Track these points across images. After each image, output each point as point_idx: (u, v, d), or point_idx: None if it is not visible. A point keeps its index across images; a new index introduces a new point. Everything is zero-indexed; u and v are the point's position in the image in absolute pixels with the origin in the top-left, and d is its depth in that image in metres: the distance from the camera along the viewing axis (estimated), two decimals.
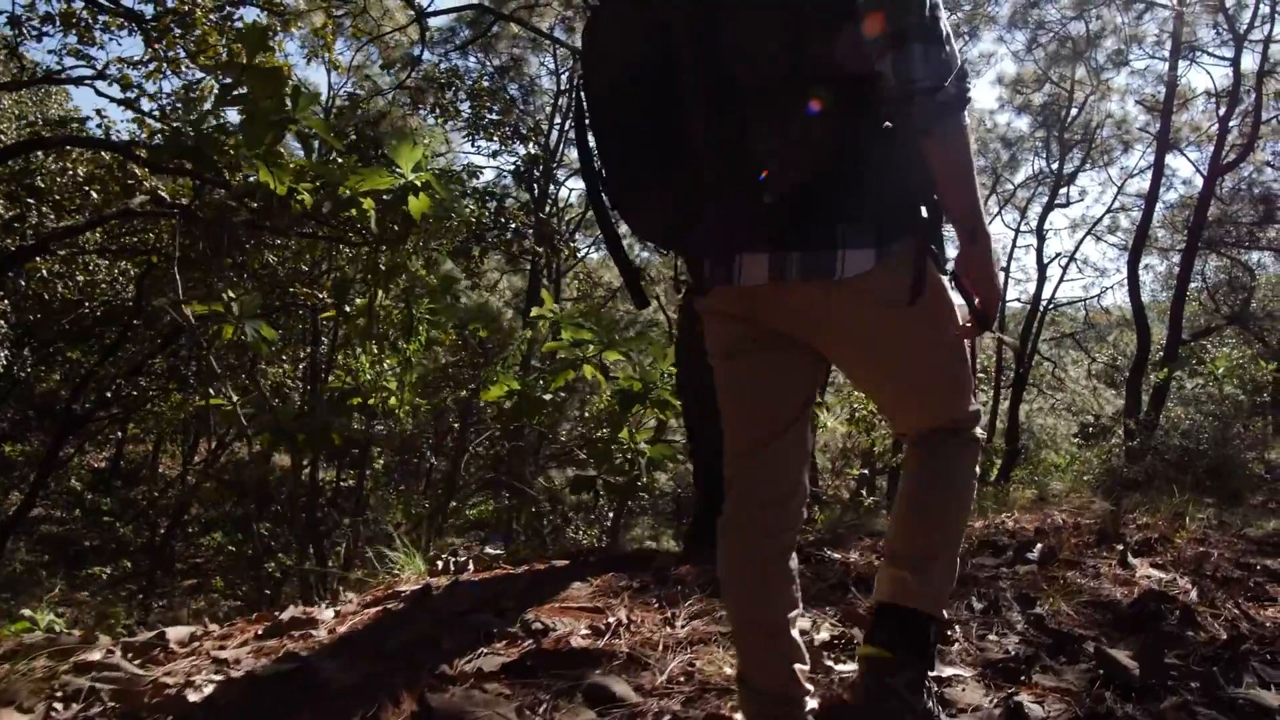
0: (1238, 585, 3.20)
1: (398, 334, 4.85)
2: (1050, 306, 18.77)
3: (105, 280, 13.29)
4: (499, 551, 3.58)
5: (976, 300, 1.65)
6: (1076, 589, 3.15)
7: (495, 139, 12.89)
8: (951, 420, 1.82)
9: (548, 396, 5.65)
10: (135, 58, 10.03)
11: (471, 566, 3.22)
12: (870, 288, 1.56)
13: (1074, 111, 15.47)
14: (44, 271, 12.47)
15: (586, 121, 1.65)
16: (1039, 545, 3.91)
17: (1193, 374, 15.79)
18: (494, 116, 13.10)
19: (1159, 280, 19.36)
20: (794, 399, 1.76)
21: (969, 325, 1.69)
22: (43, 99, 13.83)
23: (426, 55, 13.35)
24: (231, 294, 5.45)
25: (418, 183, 4.59)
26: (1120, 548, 4.29)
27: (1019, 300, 18.73)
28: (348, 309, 5.21)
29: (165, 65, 9.93)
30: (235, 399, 5.69)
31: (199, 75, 10.13)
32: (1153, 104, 14.96)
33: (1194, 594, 3.07)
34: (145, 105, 9.77)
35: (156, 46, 9.82)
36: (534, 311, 5.76)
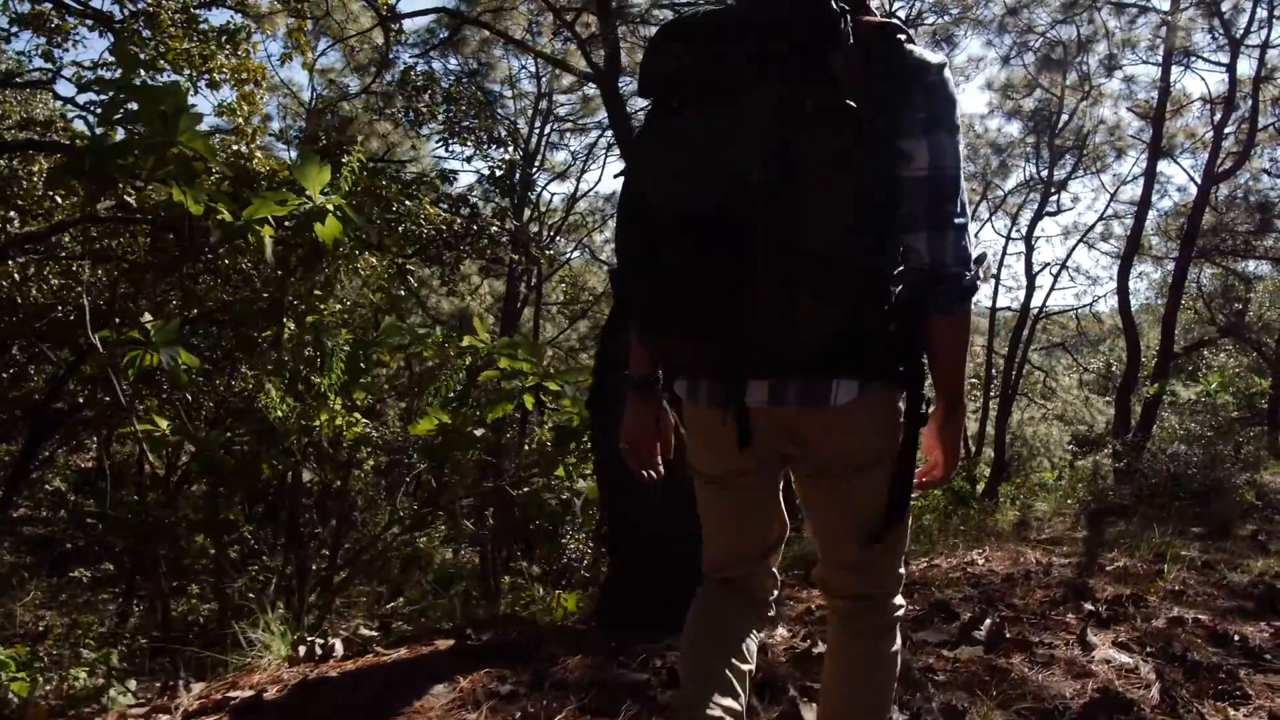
0: (1207, 677, 2.84)
1: (308, 369, 4.49)
2: (1041, 315, 18.39)
3: (82, 284, 12.93)
4: (373, 633, 3.24)
5: (937, 457, 1.85)
6: (1020, 685, 2.79)
7: (469, 144, 12.56)
8: (882, 588, 1.89)
9: (479, 432, 5.30)
10: (109, 60, 9.82)
11: (340, 650, 2.88)
12: (858, 413, 1.69)
13: (1065, 117, 15.13)
14: (16, 275, 12.11)
15: (631, 242, 1.65)
16: (988, 622, 3.53)
17: (1186, 384, 15.49)
18: (469, 122, 12.75)
19: (1154, 287, 19.04)
20: (775, 527, 1.96)
21: (926, 479, 1.86)
22: (27, 99, 13.44)
23: (403, 58, 12.97)
24: (150, 318, 5.09)
25: (329, 206, 4.24)
26: (1086, 612, 3.95)
27: (1010, 308, 18.37)
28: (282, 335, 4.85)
29: (138, 68, 9.68)
30: (163, 427, 5.34)
31: (175, 78, 9.90)
32: (1145, 110, 14.61)
33: (1155, 691, 2.71)
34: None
35: (129, 49, 9.56)
36: (465, 340, 5.43)
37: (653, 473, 2.03)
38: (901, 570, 1.91)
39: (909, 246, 1.64)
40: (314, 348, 4.71)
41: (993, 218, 18.26)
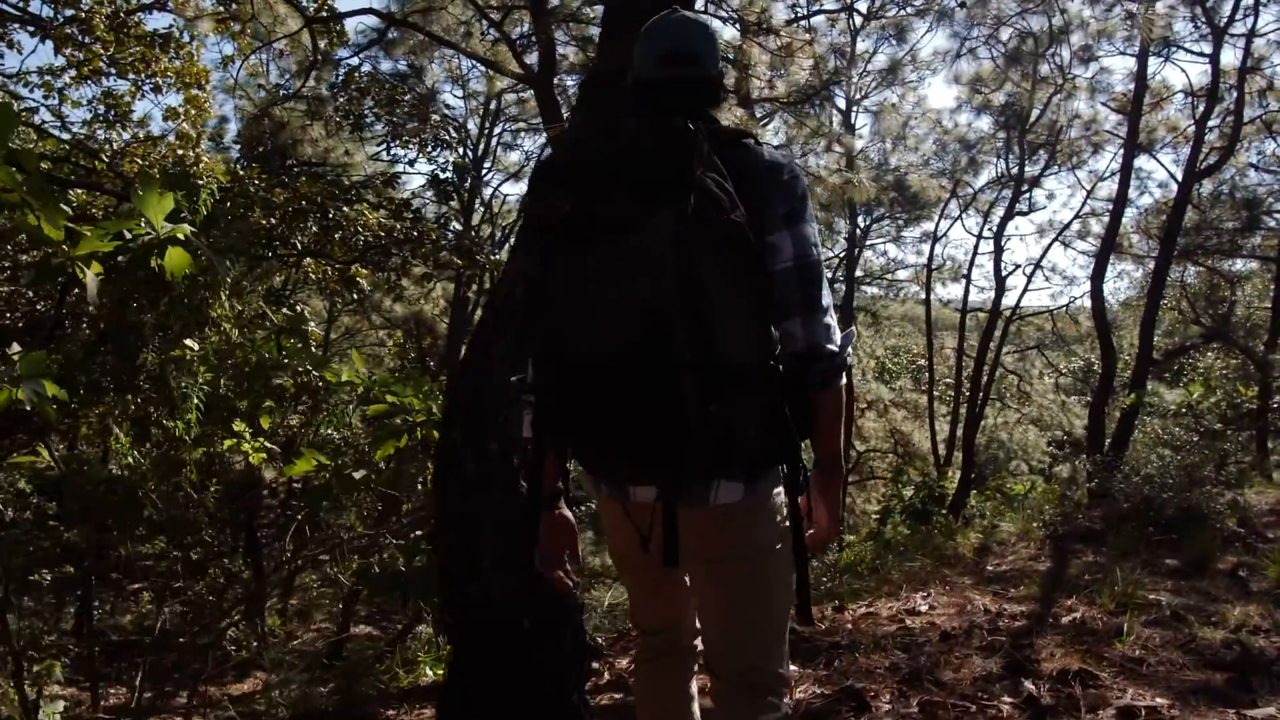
0: None
1: (158, 412, 3.85)
2: (1015, 316, 17.75)
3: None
4: None
5: (819, 519, 1.96)
6: None
7: (412, 147, 11.90)
8: (766, 669, 1.96)
9: (359, 475, 4.66)
10: (55, 65, 9.51)
11: None
12: (738, 515, 1.86)
13: (1037, 111, 14.46)
14: None
15: (556, 379, 1.76)
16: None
17: (1170, 387, 14.89)
18: (412, 124, 12.08)
19: (1135, 286, 18.42)
20: (685, 594, 2.11)
21: (810, 541, 1.91)
22: None
23: (345, 61, 12.31)
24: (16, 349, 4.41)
25: (179, 234, 3.59)
26: (1024, 696, 3.32)
27: (982, 311, 17.71)
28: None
29: (83, 71, 9.27)
30: (44, 456, 4.68)
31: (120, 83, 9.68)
32: (1123, 104, 13.96)
33: None
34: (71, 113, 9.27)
35: (66, 52, 9.09)
36: (344, 374, 4.79)
37: (571, 578, 2.10)
38: (786, 672, 2.00)
39: (786, 332, 1.79)
40: (159, 388, 4.07)
41: (963, 215, 17.67)
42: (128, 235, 3.59)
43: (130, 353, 3.74)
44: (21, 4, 9.26)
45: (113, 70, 9.63)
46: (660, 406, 1.62)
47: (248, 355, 4.96)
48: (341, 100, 11.43)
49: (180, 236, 3.64)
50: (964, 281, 18.02)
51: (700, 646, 2.16)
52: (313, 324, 11.73)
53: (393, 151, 12.49)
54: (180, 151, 9.96)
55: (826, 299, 1.80)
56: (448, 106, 14.21)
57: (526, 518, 2.11)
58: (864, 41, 14.33)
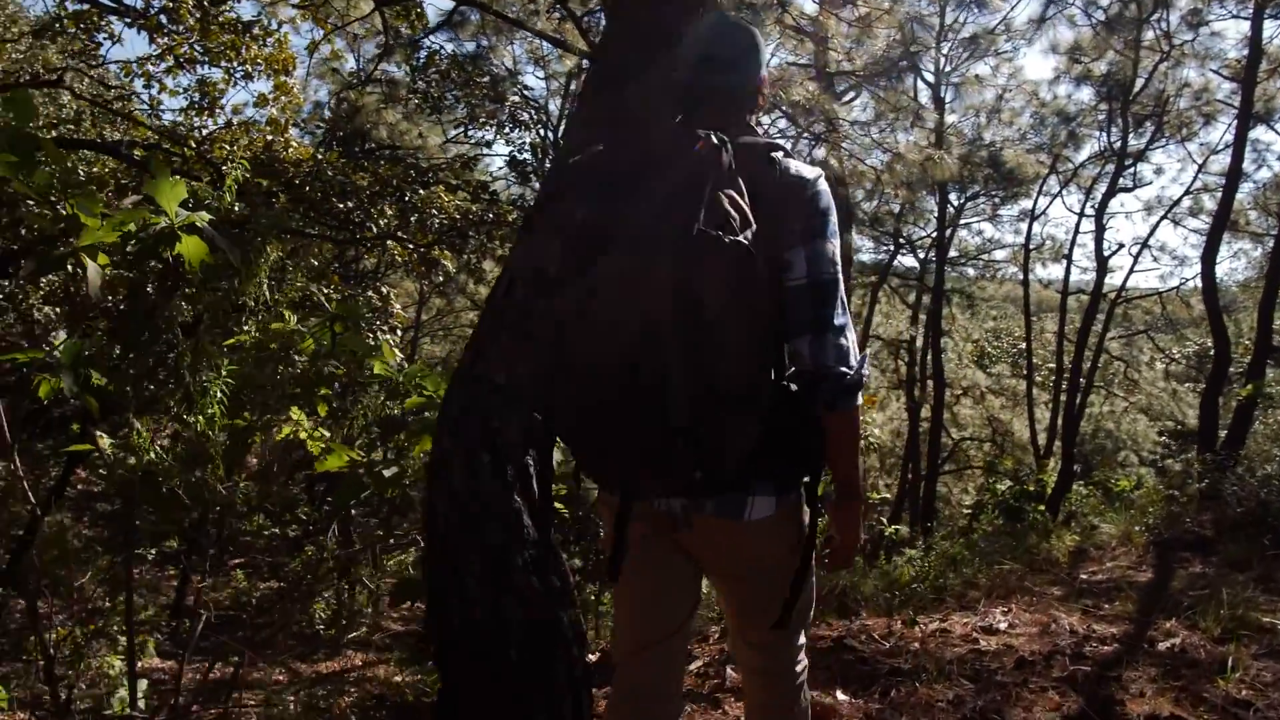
0: None
1: (179, 407, 3.71)
2: (1121, 299, 16.67)
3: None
4: None
5: (838, 540, 2.02)
6: None
7: (489, 128, 11.74)
8: (783, 663, 2.12)
9: (389, 472, 4.46)
10: (153, 54, 9.60)
11: None
12: (767, 527, 1.90)
13: (1141, 81, 13.42)
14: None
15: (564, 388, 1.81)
16: None
17: None
18: (491, 105, 11.92)
19: (1253, 266, 17.11)
20: (685, 605, 2.09)
21: (829, 560, 2.07)
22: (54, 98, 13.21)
23: (429, 44, 12.23)
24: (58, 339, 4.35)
25: (198, 222, 3.44)
26: None
27: (1084, 293, 16.68)
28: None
29: (178, 59, 9.46)
30: (105, 446, 4.65)
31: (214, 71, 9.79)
32: (1236, 70, 12.86)
33: None
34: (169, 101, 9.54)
35: (161, 41, 9.27)
36: (376, 367, 4.59)
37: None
38: (802, 641, 2.16)
39: (795, 350, 1.80)
40: (176, 381, 3.93)
41: (1063, 192, 16.64)
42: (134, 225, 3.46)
43: (142, 345, 3.60)
44: None
45: (205, 58, 9.74)
46: (649, 426, 1.65)
47: (292, 340, 4.83)
48: (421, 84, 11.33)
49: (199, 224, 3.49)
50: (1064, 262, 17.03)
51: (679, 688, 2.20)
52: (398, 306, 11.77)
53: (470, 133, 12.35)
54: (270, 137, 10.03)
55: (840, 318, 1.79)
56: (527, 87, 14.09)
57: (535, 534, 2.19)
58: (953, 12, 13.61)
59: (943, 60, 14.38)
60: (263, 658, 8.27)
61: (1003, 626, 4.68)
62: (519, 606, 2.37)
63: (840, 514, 1.98)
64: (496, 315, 2.68)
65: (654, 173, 1.71)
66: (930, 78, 14.36)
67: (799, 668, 2.14)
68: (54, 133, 9.37)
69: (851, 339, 1.82)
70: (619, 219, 1.70)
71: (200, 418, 3.54)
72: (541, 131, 14.05)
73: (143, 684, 4.91)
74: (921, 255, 19.20)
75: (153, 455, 3.43)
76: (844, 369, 1.77)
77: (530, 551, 2.43)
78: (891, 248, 18.95)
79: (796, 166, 1.85)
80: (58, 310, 9.08)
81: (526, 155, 12.82)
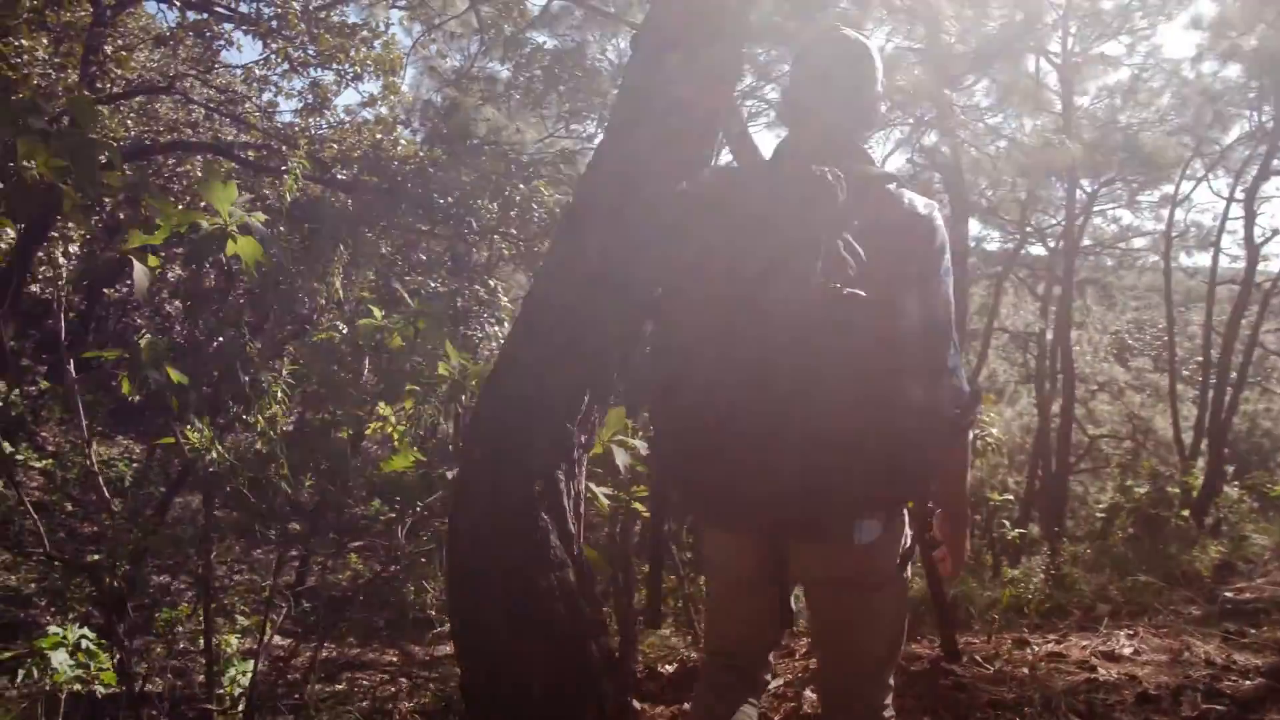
0: None
1: (238, 407, 3.69)
2: (1277, 289, 15.27)
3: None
4: None
5: (945, 556, 2.04)
6: None
7: (590, 121, 11.62)
8: (869, 698, 2.01)
9: (452, 474, 4.34)
10: (265, 60, 10.10)
11: None
12: (873, 549, 1.87)
13: None
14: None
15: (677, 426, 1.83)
16: None
17: None
18: (594, 98, 11.79)
19: None
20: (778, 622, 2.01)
21: (944, 562, 2.05)
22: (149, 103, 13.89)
23: (530, 39, 12.23)
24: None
25: (254, 222, 3.39)
26: None
27: (1233, 282, 15.38)
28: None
29: (292, 63, 9.81)
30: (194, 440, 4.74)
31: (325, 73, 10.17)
32: None
33: None
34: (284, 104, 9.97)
35: (274, 46, 9.61)
36: (440, 369, 4.48)
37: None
38: (891, 682, 2.06)
39: (908, 391, 1.75)
40: (229, 380, 3.91)
41: (1209, 176, 15.37)
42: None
43: (200, 344, 3.58)
44: (232, 5, 9.69)
45: (317, 61, 9.98)
46: (764, 474, 1.69)
47: (372, 336, 4.78)
48: (523, 79, 11.32)
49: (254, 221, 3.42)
50: (1211, 250, 15.75)
51: (769, 680, 2.29)
52: (505, 299, 11.81)
53: (572, 127, 12.28)
54: (379, 136, 10.20)
55: (953, 360, 1.82)
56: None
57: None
58: None
59: (1070, 40, 13.48)
60: (378, 639, 8.38)
61: (1127, 652, 4.22)
62: (542, 637, 2.16)
63: (947, 531, 2.01)
64: (530, 321, 2.48)
65: (774, 213, 1.71)
66: (1057, 58, 13.48)
67: (887, 714, 2.05)
68: (173, 136, 9.73)
69: (963, 378, 1.85)
70: (738, 258, 1.70)
71: (260, 418, 3.49)
72: None
73: (249, 664, 5.00)
74: (1051, 244, 18.20)
75: (215, 455, 3.40)
76: (957, 410, 1.83)
77: (556, 575, 2.22)
78: (1018, 237, 18.02)
79: (911, 199, 1.82)
80: (186, 303, 9.43)
81: None
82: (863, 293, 1.63)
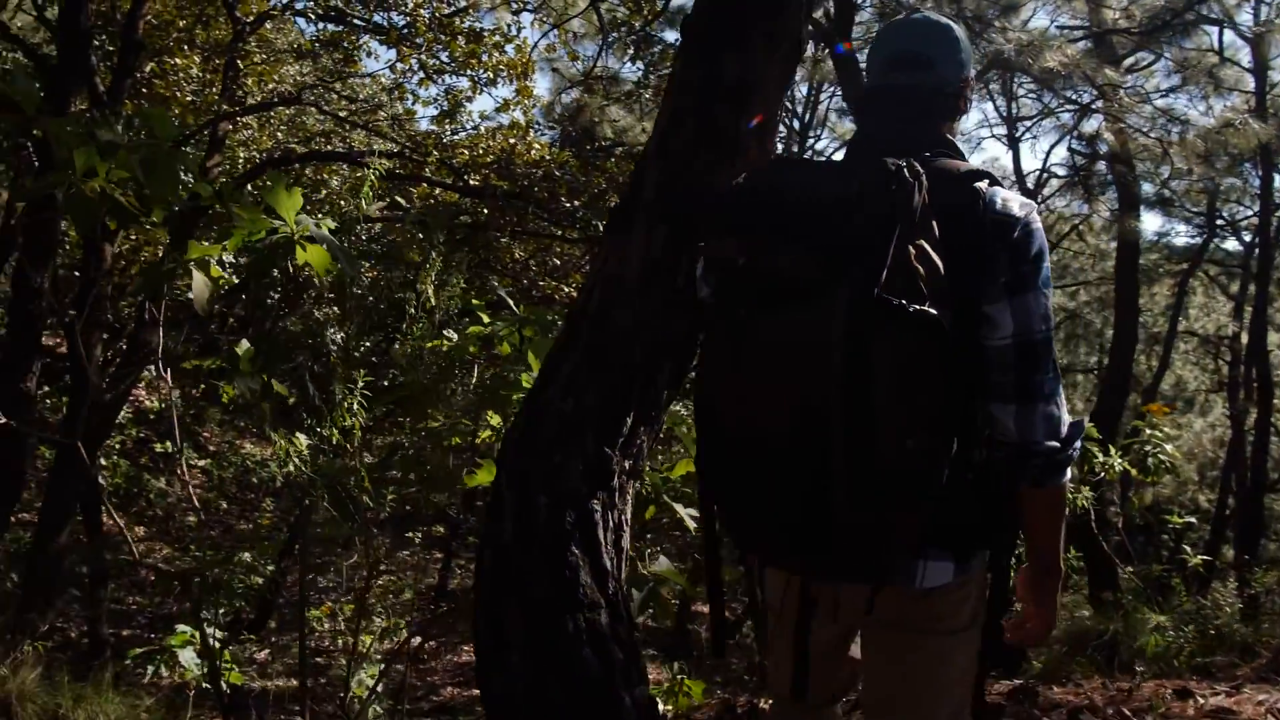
0: None
1: (310, 419, 3.65)
2: None
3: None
4: None
5: (1026, 619, 1.74)
6: None
7: None
8: None
9: None
10: (402, 68, 10.30)
11: None
12: (943, 595, 1.66)
13: None
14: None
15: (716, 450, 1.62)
16: None
17: None
18: None
19: None
20: (844, 671, 1.95)
21: (1017, 636, 1.75)
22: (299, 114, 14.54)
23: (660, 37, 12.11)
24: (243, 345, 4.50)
25: (327, 228, 3.33)
26: None
27: None
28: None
29: (425, 73, 10.13)
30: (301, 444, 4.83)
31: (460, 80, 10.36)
32: None
33: None
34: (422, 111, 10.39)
35: (409, 57, 9.91)
36: (524, 379, 4.35)
37: None
38: None
39: (995, 418, 1.58)
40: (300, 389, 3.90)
41: None
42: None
43: (271, 355, 3.55)
44: (366, 15, 9.97)
45: (451, 67, 10.14)
46: (805, 510, 1.45)
47: (475, 344, 4.72)
48: (654, 78, 11.18)
49: (325, 230, 3.35)
50: None
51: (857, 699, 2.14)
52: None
53: None
54: (513, 140, 10.28)
55: (1050, 384, 1.57)
56: None
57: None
58: None
59: (1266, 9, 12.16)
60: None
61: None
62: (565, 686, 1.93)
63: (1033, 588, 1.73)
64: (572, 330, 2.26)
65: (829, 213, 1.45)
66: (1247, 30, 12.18)
67: None
68: (309, 146, 10.07)
69: (1062, 406, 1.59)
70: (782, 268, 1.47)
71: (334, 430, 3.43)
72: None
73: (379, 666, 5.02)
74: (1246, 238, 16.61)
75: (291, 467, 3.37)
76: (1053, 443, 1.56)
77: (586, 616, 1.98)
78: (1206, 230, 16.52)
79: (1004, 199, 1.57)
80: (334, 310, 9.76)
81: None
82: (933, 310, 1.38)
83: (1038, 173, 15.15)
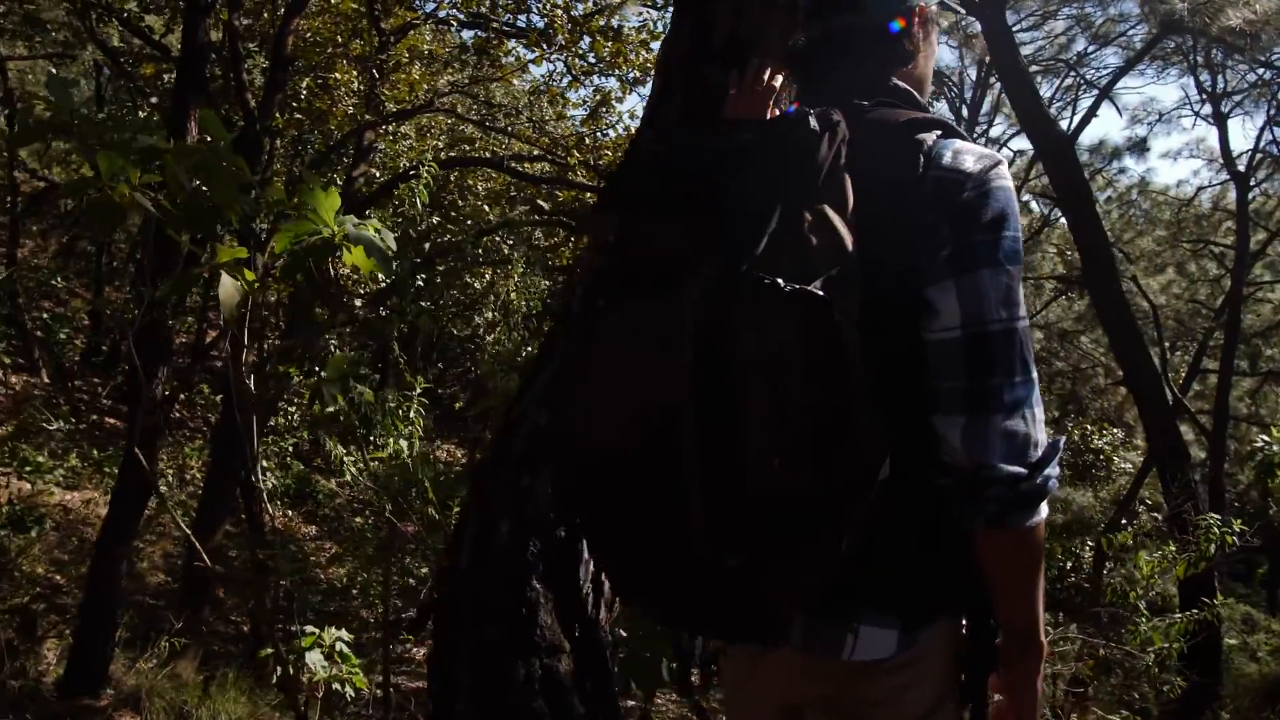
0: None
1: (362, 433, 3.56)
2: None
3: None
4: None
5: (1004, 709, 1.31)
6: None
7: None
8: None
9: None
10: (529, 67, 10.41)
11: None
12: (885, 673, 1.26)
13: None
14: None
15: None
16: None
17: None
18: None
19: None
20: None
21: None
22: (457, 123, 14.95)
23: None
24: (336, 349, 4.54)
25: (374, 229, 3.25)
26: None
27: None
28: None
29: (574, 76, 10.19)
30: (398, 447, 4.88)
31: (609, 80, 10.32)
32: None
33: None
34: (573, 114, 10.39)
35: (554, 59, 10.03)
36: None
37: None
38: None
39: (941, 436, 1.18)
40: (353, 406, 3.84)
41: None
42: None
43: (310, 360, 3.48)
44: (510, 21, 10.06)
45: (599, 68, 10.11)
46: (665, 549, 1.15)
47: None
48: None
49: (368, 231, 3.24)
50: None
51: None
52: None
53: None
54: None
55: (1014, 391, 1.17)
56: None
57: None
58: None
59: None
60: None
61: None
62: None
63: (1005, 671, 1.29)
64: (553, 331, 2.02)
65: (715, 173, 1.16)
66: None
67: None
68: (453, 152, 10.24)
69: (1034, 420, 1.17)
70: (652, 245, 1.20)
71: (392, 441, 3.33)
72: (950, 101, 12.70)
73: None
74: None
75: (348, 478, 3.31)
76: (1016, 468, 1.15)
77: (542, 662, 1.73)
78: None
79: (956, 152, 1.21)
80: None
81: None
82: (819, 291, 1.07)
83: (1249, 153, 13.52)
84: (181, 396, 11.76)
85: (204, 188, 3.01)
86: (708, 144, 1.23)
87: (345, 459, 3.50)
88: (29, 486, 8.09)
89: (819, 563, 1.12)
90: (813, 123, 1.13)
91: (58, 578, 7.94)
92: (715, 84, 1.87)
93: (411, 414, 3.49)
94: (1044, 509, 1.20)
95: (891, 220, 1.18)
